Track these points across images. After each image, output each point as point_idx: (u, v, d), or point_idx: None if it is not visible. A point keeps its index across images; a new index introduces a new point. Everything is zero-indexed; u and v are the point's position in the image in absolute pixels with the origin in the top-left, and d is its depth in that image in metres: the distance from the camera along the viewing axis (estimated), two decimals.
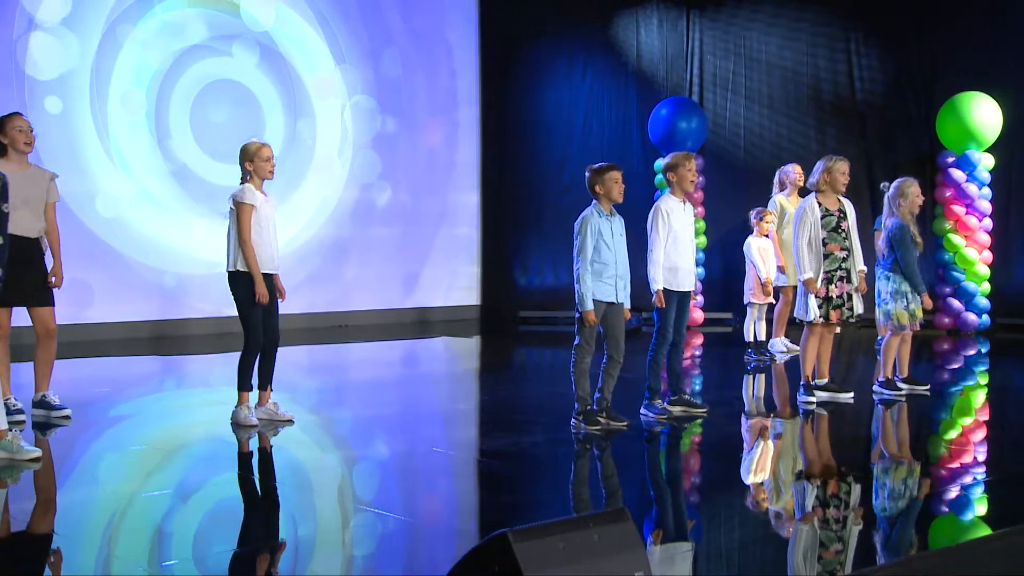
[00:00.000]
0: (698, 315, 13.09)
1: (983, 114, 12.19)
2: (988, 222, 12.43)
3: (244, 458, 5.82)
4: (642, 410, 6.62)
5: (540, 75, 14.66)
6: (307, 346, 11.03)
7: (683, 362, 6.78)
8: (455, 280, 14.28)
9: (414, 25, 13.88)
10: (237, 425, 6.17)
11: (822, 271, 7.08)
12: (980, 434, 6.79)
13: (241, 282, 6.16)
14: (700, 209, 13.15)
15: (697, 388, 8.64)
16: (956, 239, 12.32)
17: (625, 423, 6.25)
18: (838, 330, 7.42)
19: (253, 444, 5.96)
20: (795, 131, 14.04)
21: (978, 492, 5.14)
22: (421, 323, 13.67)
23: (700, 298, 13.13)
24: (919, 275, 7.46)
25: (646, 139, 13.61)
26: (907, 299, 7.48)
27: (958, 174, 12.35)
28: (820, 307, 7.10)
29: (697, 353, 11.19)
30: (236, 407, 6.21)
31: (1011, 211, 12.99)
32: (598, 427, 6.13)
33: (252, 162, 6.17)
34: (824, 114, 14.01)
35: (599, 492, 5.16)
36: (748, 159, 13.93)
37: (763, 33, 14.13)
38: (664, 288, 6.59)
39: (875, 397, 7.53)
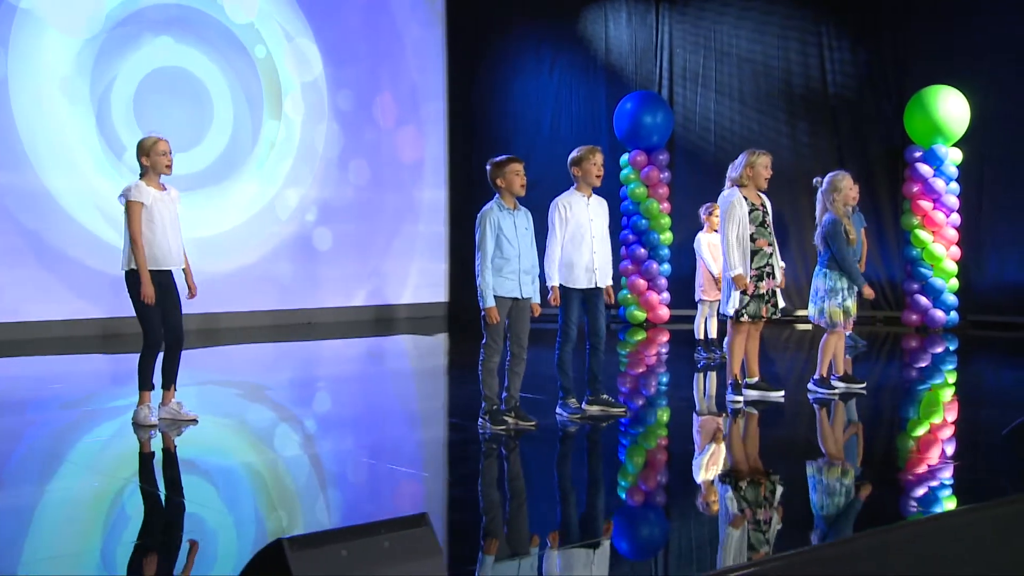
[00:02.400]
0: (664, 312, 12.94)
1: (950, 108, 12.00)
2: (956, 217, 12.24)
3: (127, 458, 5.69)
4: (557, 410, 6.49)
5: (507, 70, 14.53)
6: (262, 344, 10.96)
7: (602, 361, 6.61)
8: (422, 277, 14.17)
9: (379, 19, 13.76)
10: (137, 425, 6.07)
11: (752, 267, 6.92)
12: (893, 434, 6.60)
13: (135, 281, 6.03)
14: (666, 205, 13.01)
15: (636, 387, 8.51)
16: (923, 235, 12.14)
17: (533, 423, 6.11)
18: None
19: (147, 444, 5.85)
20: (766, 125, 13.89)
21: (856, 493, 4.99)
22: (387, 320, 13.56)
23: (666, 295, 12.99)
24: (856, 269, 7.31)
25: (615, 134, 13.46)
26: (842, 296, 7.32)
27: (925, 169, 12.17)
28: (748, 304, 6.94)
29: (652, 351, 11.04)
30: (137, 407, 6.11)
31: (982, 206, 12.80)
32: (503, 427, 6.00)
33: (148, 157, 6.05)
34: (795, 108, 13.85)
35: (472, 493, 5.03)
36: (719, 154, 13.73)
37: (733, 27, 13.97)
38: (562, 284, 6.41)
39: (809, 396, 7.38)
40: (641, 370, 9.81)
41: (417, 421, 7.01)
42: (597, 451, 6.08)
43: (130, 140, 11.14)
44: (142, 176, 6.09)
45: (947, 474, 5.37)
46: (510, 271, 5.97)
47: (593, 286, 6.48)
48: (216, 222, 12.32)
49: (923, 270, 12.16)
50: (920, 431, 6.68)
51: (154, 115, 11.40)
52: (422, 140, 14.17)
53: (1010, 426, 5.22)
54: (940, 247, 12.09)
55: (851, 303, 7.38)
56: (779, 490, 5.06)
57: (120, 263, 6.10)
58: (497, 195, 6.10)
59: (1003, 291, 12.68)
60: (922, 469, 5.50)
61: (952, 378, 9.17)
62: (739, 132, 13.87)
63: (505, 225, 5.99)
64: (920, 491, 5.00)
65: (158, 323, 6.07)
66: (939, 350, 10.71)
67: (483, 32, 14.46)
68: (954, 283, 12.19)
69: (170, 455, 5.78)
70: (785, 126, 13.85)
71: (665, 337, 12.00)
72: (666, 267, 12.95)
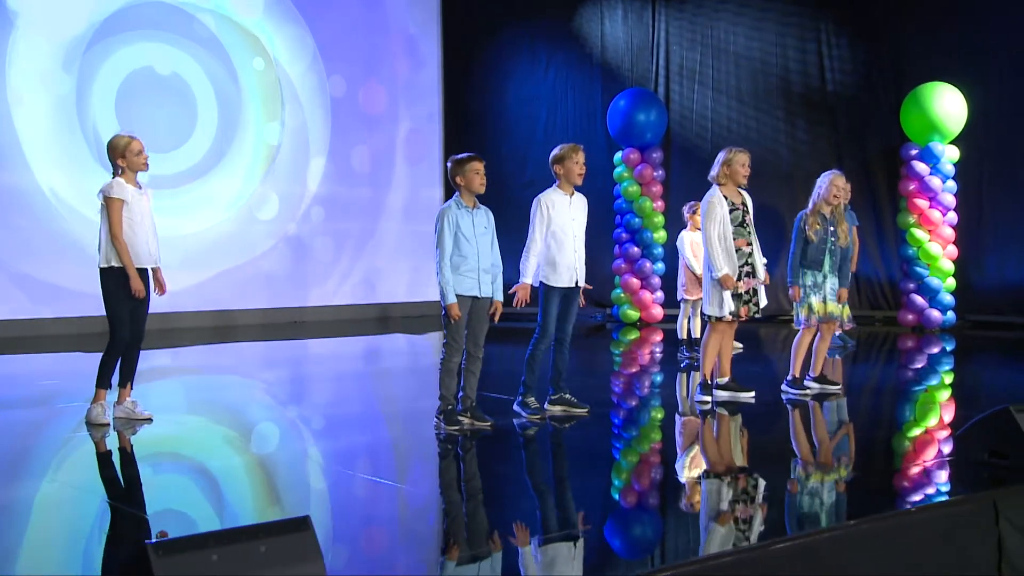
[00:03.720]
0: (657, 312, 12.84)
1: (947, 105, 11.83)
2: (953, 216, 12.07)
3: (75, 458, 5.65)
4: (515, 408, 6.41)
5: (503, 67, 14.46)
6: (248, 343, 10.95)
7: (567, 360, 6.52)
8: (416, 276, 14.11)
9: (375, 17, 13.72)
10: (90, 424, 6.03)
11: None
12: (852, 436, 6.44)
13: (112, 278, 6.00)
14: (660, 203, 12.90)
15: (612, 386, 8.42)
16: (919, 234, 11.97)
17: (489, 423, 6.02)
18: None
19: (103, 444, 5.81)
20: (764, 123, 13.76)
21: (796, 497, 4.88)
22: (382, 319, 13.53)
23: (660, 294, 12.88)
24: (796, 265, 7.19)
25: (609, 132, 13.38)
26: (805, 292, 7.22)
27: (921, 167, 12.01)
28: (732, 304, 6.84)
29: (639, 351, 10.94)
30: (91, 404, 6.07)
31: (982, 205, 12.63)
32: (457, 427, 5.92)
33: (124, 157, 6.02)
34: (793, 106, 13.71)
35: (417, 493, 4.96)
36: (716, 152, 13.47)
37: (730, 24, 13.85)
38: (544, 283, 6.34)
39: (782, 397, 7.26)
40: (623, 370, 9.71)
41: (382, 422, 6.95)
42: (554, 453, 5.99)
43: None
44: (118, 175, 6.05)
45: (904, 474, 5.26)
46: (468, 269, 5.90)
47: (574, 285, 6.42)
48: (205, 220, 12.33)
49: (919, 269, 12.00)
50: (885, 432, 6.56)
51: (140, 114, 11.43)
52: (417, 138, 14.10)
53: (963, 427, 5.10)
54: (936, 246, 11.93)
55: (824, 301, 7.25)
56: (732, 489, 4.96)
57: (97, 259, 6.06)
58: (456, 193, 6.03)
59: (1002, 291, 12.51)
60: (878, 469, 5.40)
61: (940, 379, 9.01)
62: (736, 130, 13.75)
63: (463, 223, 5.91)
64: (869, 492, 4.89)
65: (127, 321, 6.03)
66: (933, 351, 10.54)
67: (478, 30, 14.40)
68: (951, 282, 12.02)
69: (125, 454, 5.73)
70: (783, 124, 13.72)
71: (658, 336, 11.88)
72: (659, 266, 12.84)
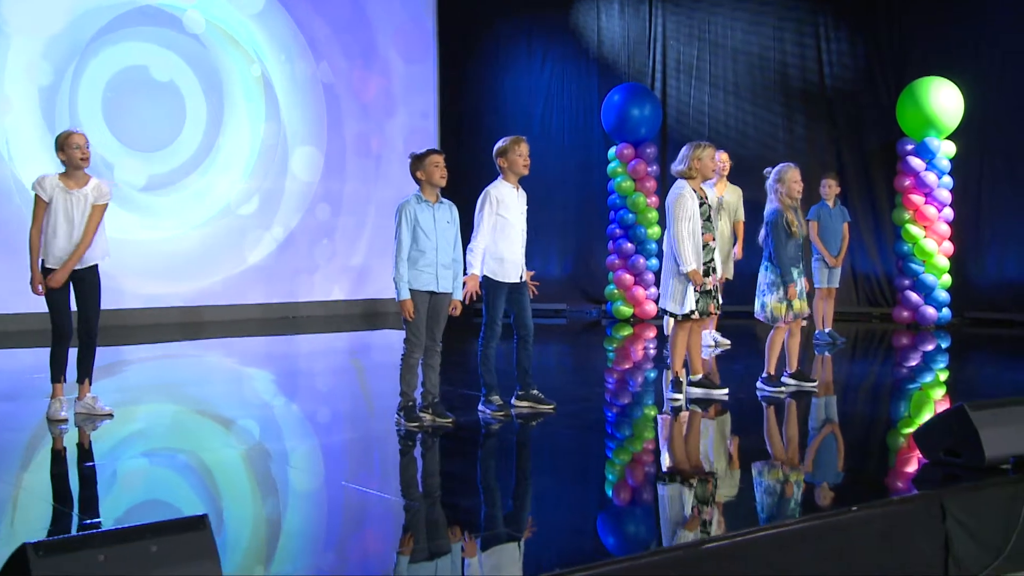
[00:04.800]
0: (651, 308, 12.74)
1: (943, 100, 11.68)
2: (949, 212, 11.93)
3: (27, 454, 5.65)
4: (480, 407, 6.35)
5: (499, 62, 14.41)
6: (240, 338, 10.95)
7: (531, 355, 6.46)
8: None
9: (370, 13, 13.69)
10: (49, 419, 6.02)
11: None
12: (815, 436, 6.36)
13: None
14: (654, 199, 12.81)
15: (592, 383, 8.36)
16: (915, 230, 11.84)
17: (451, 420, 5.98)
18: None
19: (60, 440, 5.80)
20: (761, 119, 13.65)
21: (746, 496, 4.82)
22: (374, 315, 13.50)
23: (654, 290, 12.79)
24: (788, 266, 7.07)
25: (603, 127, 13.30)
26: (782, 291, 7.13)
27: (917, 162, 11.87)
28: (697, 301, 6.77)
29: (628, 347, 10.87)
30: (50, 400, 6.07)
31: (980, 201, 12.49)
32: (417, 423, 5.88)
33: (63, 151, 5.99)
34: (792, 100, 13.59)
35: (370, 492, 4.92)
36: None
37: (728, 18, 13.74)
38: (489, 278, 6.27)
39: (758, 394, 7.18)
40: (614, 366, 9.65)
41: (345, 419, 6.89)
42: (517, 450, 5.93)
43: (98, 137, 11.21)
44: (62, 171, 6.04)
45: (859, 473, 5.19)
46: (426, 264, 5.86)
47: (520, 280, 6.35)
48: (196, 217, 12.36)
49: (914, 266, 11.87)
50: (854, 430, 6.47)
51: (128, 114, 11.49)
52: (412, 133, 14.05)
53: (920, 427, 5.03)
54: (932, 242, 11.79)
55: (799, 299, 7.17)
56: (683, 488, 4.90)
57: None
58: (417, 188, 5.99)
59: (1001, 288, 12.36)
60: (836, 468, 5.33)
61: (931, 377, 8.89)
62: (734, 125, 13.65)
63: (423, 218, 5.87)
64: (822, 491, 4.82)
65: (63, 316, 6.00)
66: (927, 348, 10.42)
67: (474, 24, 14.35)
68: (946, 279, 11.88)
69: (82, 451, 5.72)
70: (781, 119, 13.61)
71: (652, 333, 11.79)
72: (653, 262, 12.74)
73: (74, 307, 6.14)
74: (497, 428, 6.13)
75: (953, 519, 4.25)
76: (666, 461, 5.60)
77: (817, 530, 4.09)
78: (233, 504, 4.70)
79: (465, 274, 6.19)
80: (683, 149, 6.89)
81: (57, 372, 6.03)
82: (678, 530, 4.26)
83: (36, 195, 5.96)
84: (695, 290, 6.71)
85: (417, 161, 5.91)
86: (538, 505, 4.69)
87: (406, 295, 5.81)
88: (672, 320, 6.85)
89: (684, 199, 6.75)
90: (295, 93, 13.06)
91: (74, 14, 11.44)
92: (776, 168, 7.27)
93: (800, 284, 7.16)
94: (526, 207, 6.44)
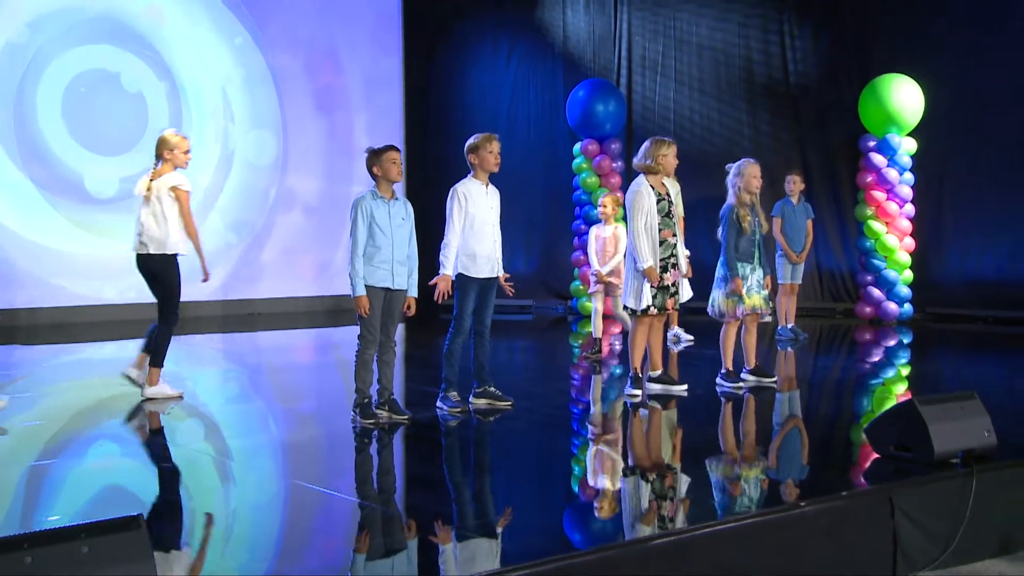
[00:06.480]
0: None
1: (904, 97, 11.76)
2: (910, 208, 12.01)
3: None
4: (438, 403, 6.33)
5: (464, 58, 14.36)
6: (196, 335, 10.86)
7: (488, 352, 6.44)
8: None
9: (335, 7, 13.61)
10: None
11: (659, 259, 6.75)
12: (772, 432, 6.35)
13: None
14: (619, 194, 12.78)
15: (548, 378, 8.35)
16: (877, 226, 11.91)
17: (407, 416, 5.95)
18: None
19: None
20: (726, 115, 13.68)
21: (693, 492, 4.82)
22: (339, 311, 13.41)
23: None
24: (734, 260, 7.08)
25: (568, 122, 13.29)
26: (749, 283, 7.14)
27: (879, 159, 11.95)
28: (656, 296, 6.77)
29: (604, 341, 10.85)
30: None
31: (942, 198, 12.56)
32: (373, 420, 5.85)
33: (172, 152, 6.65)
34: (756, 97, 13.63)
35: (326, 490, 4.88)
36: (678, 144, 13.44)
37: (693, 15, 13.76)
38: (462, 274, 6.25)
39: (717, 390, 7.20)
40: (565, 363, 9.64)
41: (299, 416, 6.84)
42: (474, 446, 5.91)
43: (56, 142, 11.12)
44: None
45: (809, 468, 5.20)
46: (381, 260, 5.83)
47: (493, 275, 6.34)
48: None
49: (876, 262, 11.94)
50: (809, 425, 6.48)
51: (87, 118, 11.41)
52: (377, 129, 13.99)
53: (871, 421, 5.05)
54: (893, 238, 11.87)
55: (756, 295, 7.18)
56: (631, 484, 4.90)
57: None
58: (373, 183, 5.95)
59: (963, 283, 12.44)
60: (786, 464, 5.35)
61: (891, 372, 8.94)
62: (699, 121, 13.68)
63: (378, 214, 5.84)
64: (771, 486, 4.84)
65: None
66: (888, 343, 10.48)
67: (440, 20, 14.31)
68: (908, 275, 11.96)
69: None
70: (746, 115, 13.64)
71: (617, 329, 11.78)
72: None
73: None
74: (455, 425, 6.11)
75: (901, 513, 4.27)
76: (623, 457, 5.60)
77: (767, 526, 4.10)
78: (185, 502, 4.65)
79: (437, 274, 6.17)
80: (644, 144, 6.88)
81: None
82: (632, 525, 4.25)
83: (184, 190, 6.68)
84: (651, 286, 6.71)
85: (374, 156, 5.88)
86: (496, 501, 4.67)
87: (362, 291, 5.78)
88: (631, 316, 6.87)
89: (640, 195, 6.74)
90: (257, 89, 12.96)
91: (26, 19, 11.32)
92: (737, 164, 7.28)
93: (754, 281, 7.17)
94: (498, 203, 6.42)
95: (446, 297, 6.22)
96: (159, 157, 6.69)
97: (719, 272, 7.17)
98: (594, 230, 8.93)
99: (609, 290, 8.79)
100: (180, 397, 6.75)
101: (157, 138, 6.78)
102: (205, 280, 6.80)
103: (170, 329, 6.68)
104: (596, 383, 8.17)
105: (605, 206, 8.82)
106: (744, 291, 7.12)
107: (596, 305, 9.00)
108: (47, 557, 2.67)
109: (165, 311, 6.66)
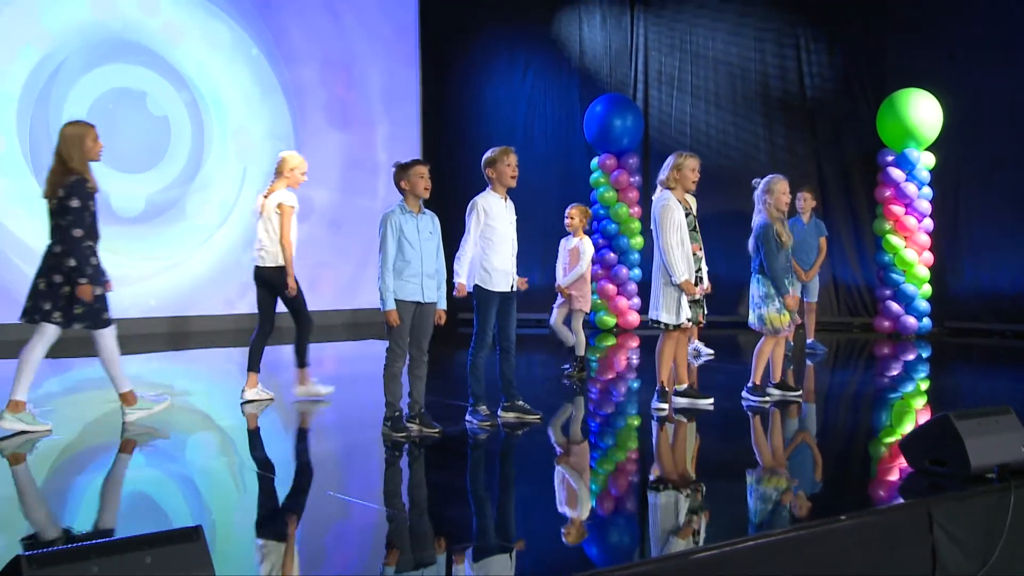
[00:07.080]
0: (633, 318, 12.79)
1: (922, 112, 11.79)
2: (929, 223, 12.03)
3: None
4: (467, 417, 6.35)
5: (481, 72, 14.43)
6: (221, 348, 10.91)
7: (514, 366, 6.46)
8: None
9: (352, 22, 13.68)
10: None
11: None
12: (806, 444, 6.37)
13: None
14: (637, 209, 12.85)
15: (572, 392, 8.36)
16: (895, 240, 11.93)
17: (438, 430, 5.97)
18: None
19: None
20: (742, 128, 13.73)
21: (731, 506, 4.83)
22: (356, 325, 13.45)
23: (637, 300, 12.83)
24: (782, 277, 7.09)
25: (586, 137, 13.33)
26: (779, 302, 7.15)
27: (897, 173, 11.97)
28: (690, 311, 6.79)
29: (614, 357, 10.88)
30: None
31: (959, 212, 12.59)
32: (404, 434, 5.88)
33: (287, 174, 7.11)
34: (772, 111, 13.68)
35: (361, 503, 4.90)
36: None
37: (709, 29, 13.82)
38: (481, 287, 6.27)
39: (743, 404, 7.21)
40: (597, 376, 9.65)
41: (330, 430, 6.87)
42: (502, 459, 5.93)
43: None
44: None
45: (846, 483, 5.21)
46: (411, 274, 5.87)
47: (511, 290, 6.37)
48: (189, 228, 12.34)
49: (895, 276, 11.96)
50: (839, 440, 6.51)
51: (109, 137, 11.42)
52: (394, 142, 14.05)
53: (905, 436, 5.06)
54: (912, 252, 11.88)
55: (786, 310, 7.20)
56: (668, 498, 4.91)
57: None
58: (401, 198, 6.00)
59: (980, 298, 12.46)
60: (822, 478, 5.36)
61: (912, 386, 8.95)
62: (715, 136, 13.72)
63: (407, 228, 5.88)
64: (808, 500, 4.85)
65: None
66: (907, 357, 10.49)
67: (456, 34, 14.36)
68: (927, 289, 11.97)
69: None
70: (762, 129, 13.69)
71: (635, 343, 11.83)
72: (636, 272, 12.79)
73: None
74: (484, 438, 6.13)
75: (940, 528, 4.28)
76: (653, 471, 5.61)
77: (805, 540, 4.11)
78: (220, 515, 4.68)
79: (453, 285, 6.20)
80: (668, 158, 6.90)
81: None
82: (666, 540, 4.27)
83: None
84: (688, 299, 6.73)
85: (402, 171, 5.92)
86: (526, 515, 4.68)
87: (392, 305, 5.82)
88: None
89: (669, 209, 6.75)
90: (275, 102, 13.03)
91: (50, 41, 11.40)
92: (765, 179, 7.28)
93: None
94: (515, 217, 6.45)
95: (460, 295, 6.25)
96: (278, 174, 7.22)
97: (760, 289, 7.12)
98: (562, 242, 8.77)
99: (570, 303, 8.57)
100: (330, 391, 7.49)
101: (279, 157, 7.32)
102: (288, 291, 7.21)
103: (307, 332, 7.35)
104: (621, 396, 8.20)
105: (572, 217, 8.59)
106: (796, 306, 7.15)
107: (558, 318, 8.64)
108: (113, 566, 2.70)
109: (299, 318, 7.34)
